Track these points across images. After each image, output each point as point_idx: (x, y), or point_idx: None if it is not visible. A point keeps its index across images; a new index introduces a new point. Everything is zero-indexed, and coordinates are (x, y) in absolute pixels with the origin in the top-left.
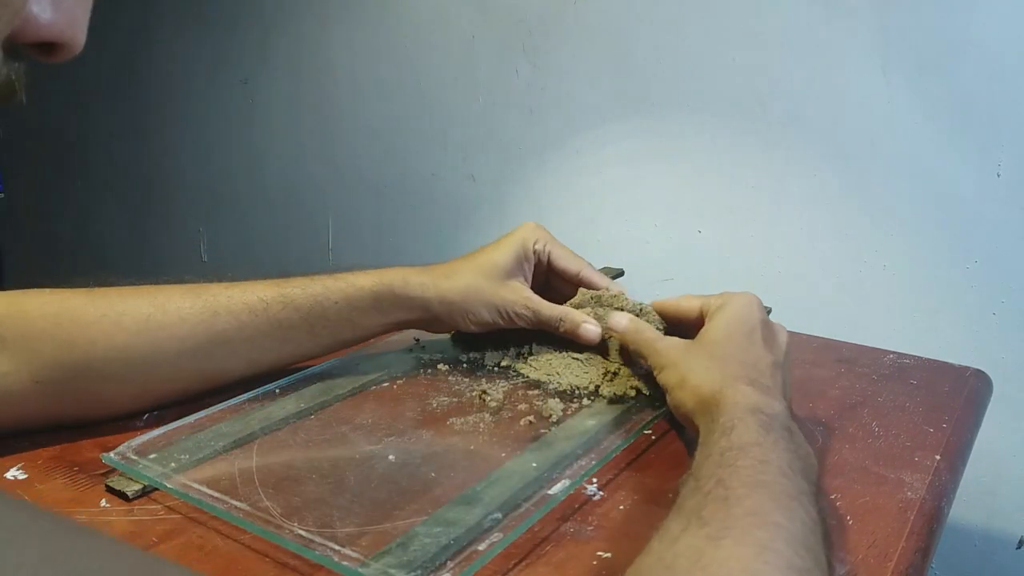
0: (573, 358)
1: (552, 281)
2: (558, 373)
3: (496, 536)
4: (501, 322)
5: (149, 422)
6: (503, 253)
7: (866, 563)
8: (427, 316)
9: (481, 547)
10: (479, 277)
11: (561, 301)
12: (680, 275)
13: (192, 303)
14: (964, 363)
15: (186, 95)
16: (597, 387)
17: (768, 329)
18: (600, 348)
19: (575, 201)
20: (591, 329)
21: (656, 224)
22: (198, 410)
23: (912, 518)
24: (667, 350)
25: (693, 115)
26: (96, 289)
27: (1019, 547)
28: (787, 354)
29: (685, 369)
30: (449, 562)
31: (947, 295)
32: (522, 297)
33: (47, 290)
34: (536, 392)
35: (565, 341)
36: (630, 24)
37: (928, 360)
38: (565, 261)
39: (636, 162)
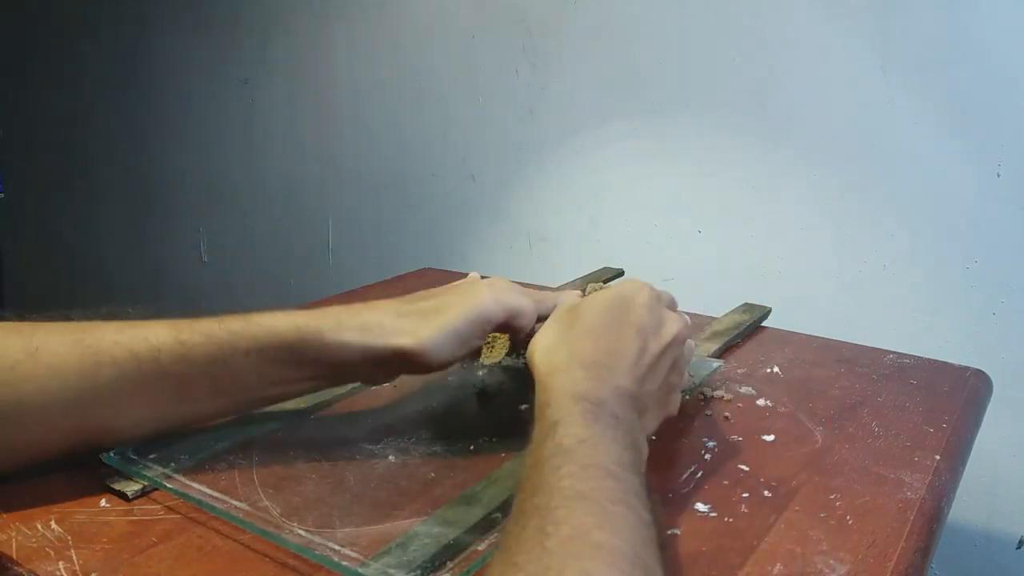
0: None
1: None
2: None
3: (496, 536)
4: (468, 346)
5: None
6: (455, 316)
7: (866, 563)
8: (367, 365)
9: (481, 547)
10: (441, 314)
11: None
12: (680, 275)
13: (71, 350)
14: (964, 363)
15: (186, 95)
16: None
17: (653, 316)
18: None
19: (575, 201)
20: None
21: (656, 224)
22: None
23: (912, 518)
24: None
25: (693, 115)
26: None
27: (1019, 547)
28: (671, 346)
29: (539, 337)
30: (449, 562)
31: (947, 295)
32: (486, 297)
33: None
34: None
35: None
36: (630, 24)
37: (928, 360)
38: (524, 319)
39: (636, 162)
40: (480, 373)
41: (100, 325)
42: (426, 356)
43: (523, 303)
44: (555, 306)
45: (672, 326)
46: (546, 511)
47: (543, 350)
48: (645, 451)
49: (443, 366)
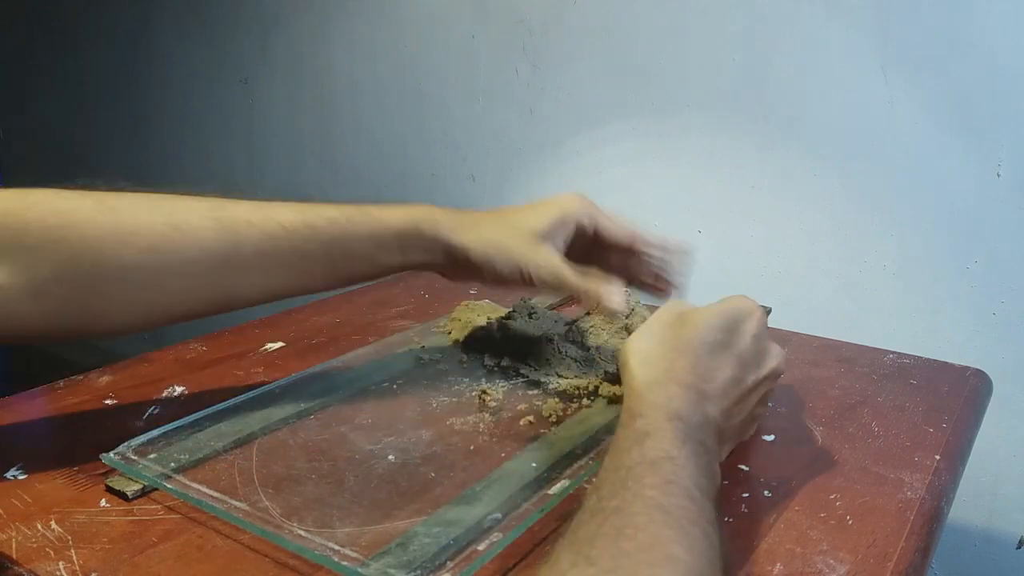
0: (573, 358)
1: (601, 254)
2: (558, 373)
3: (496, 536)
4: (521, 282)
5: (149, 422)
6: (539, 218)
7: (866, 563)
8: (447, 261)
9: (481, 547)
10: (507, 234)
11: (614, 272)
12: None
13: (211, 225)
14: (964, 363)
15: (186, 95)
16: (597, 387)
17: (757, 346)
18: (600, 350)
19: None
20: (614, 292)
21: (656, 224)
22: (198, 410)
23: (912, 518)
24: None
25: (693, 115)
26: (107, 196)
27: (1019, 547)
28: (766, 379)
29: (637, 339)
30: (449, 562)
31: (947, 295)
32: (549, 263)
33: (52, 192)
34: (536, 392)
35: (566, 341)
36: (630, 24)
37: (928, 360)
38: (614, 233)
39: (636, 162)
40: (481, 375)
41: (230, 204)
42: (490, 256)
43: (616, 225)
44: (582, 288)
45: (772, 361)
46: (627, 515)
47: (641, 356)
48: (718, 480)
49: (515, 266)
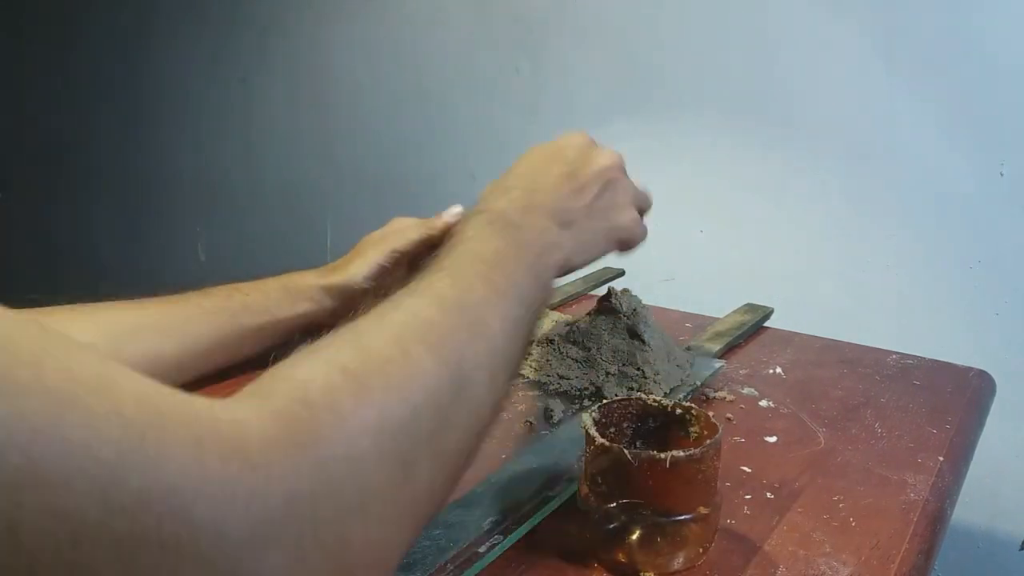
0: (573, 359)
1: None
2: (558, 374)
3: (496, 538)
4: (391, 274)
5: None
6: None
7: (869, 564)
8: (330, 303)
9: (481, 549)
10: (356, 254)
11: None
12: (681, 275)
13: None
14: (967, 364)
15: (184, 94)
16: (598, 388)
17: (581, 152)
18: (602, 350)
19: None
20: (454, 210)
21: (657, 224)
22: None
23: (915, 519)
24: None
25: (693, 115)
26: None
27: (1022, 548)
28: (601, 171)
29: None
30: (449, 565)
31: (950, 295)
32: (392, 238)
33: None
34: (536, 392)
35: (566, 342)
36: (630, 24)
37: (931, 361)
38: (411, 243)
39: (636, 162)
40: None
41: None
42: (354, 287)
43: (419, 235)
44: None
45: (602, 158)
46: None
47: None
48: (557, 255)
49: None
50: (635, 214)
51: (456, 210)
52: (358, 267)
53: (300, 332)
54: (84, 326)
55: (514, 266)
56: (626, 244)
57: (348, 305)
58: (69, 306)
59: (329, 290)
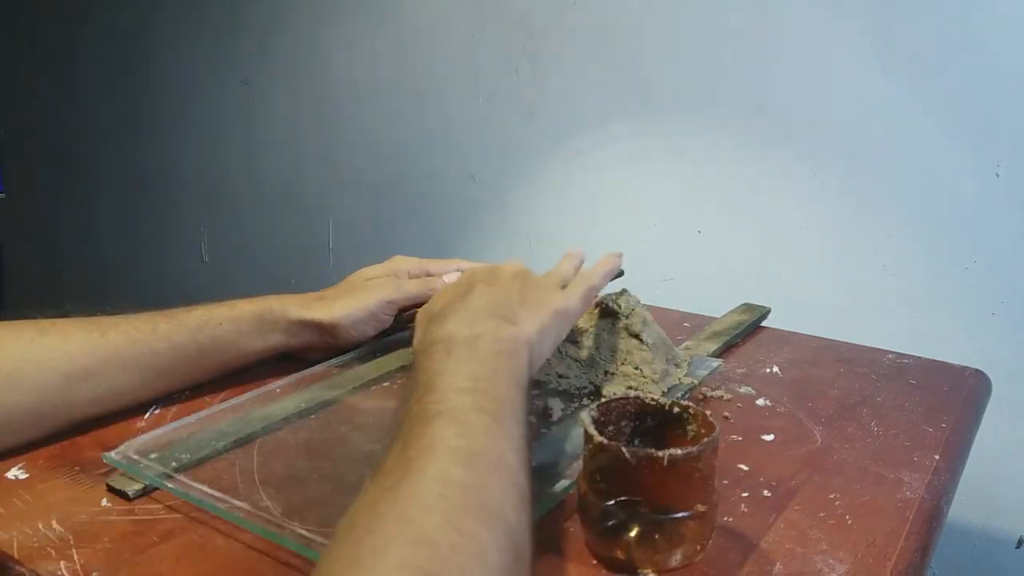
0: (573, 358)
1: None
2: (557, 373)
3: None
4: (378, 322)
5: (150, 422)
6: (364, 285)
7: (865, 562)
8: (305, 336)
9: None
10: (344, 289)
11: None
12: (680, 275)
13: (78, 326)
14: (963, 363)
15: (186, 96)
16: (597, 387)
17: (490, 271)
18: (600, 350)
19: (575, 201)
20: (454, 274)
21: (656, 224)
22: (199, 409)
23: (911, 517)
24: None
25: (693, 115)
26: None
27: (1018, 547)
28: (510, 275)
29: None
30: None
31: (946, 295)
32: (390, 288)
33: None
34: (536, 392)
35: (566, 342)
36: (630, 24)
37: (927, 360)
38: (408, 299)
39: (636, 162)
40: None
41: (94, 317)
42: (338, 328)
43: (419, 292)
44: (426, 287)
45: (507, 267)
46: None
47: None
48: (522, 348)
49: (354, 339)
50: (559, 290)
51: (455, 274)
52: (345, 307)
53: (266, 358)
54: (44, 356)
55: (498, 383)
56: (564, 312)
57: (324, 340)
58: (35, 323)
59: (307, 325)
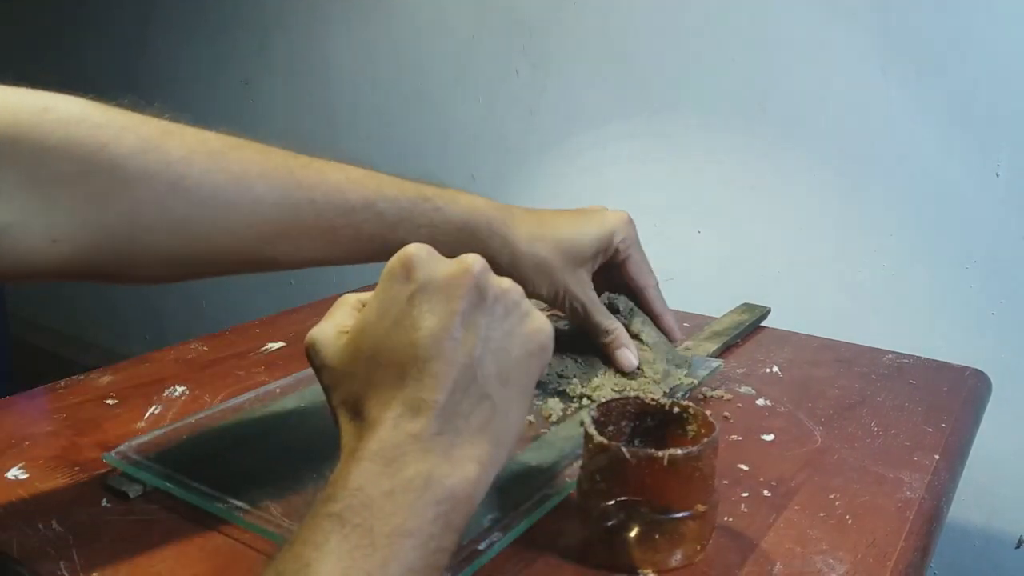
0: (573, 358)
1: (614, 276)
2: (557, 373)
3: (496, 536)
4: (552, 303)
5: (150, 422)
6: (589, 240)
7: (865, 562)
8: (493, 265)
9: (481, 546)
10: (556, 255)
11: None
12: (680, 275)
13: (273, 187)
14: (963, 363)
15: (186, 96)
16: (597, 387)
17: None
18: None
19: (575, 201)
20: (629, 357)
21: (656, 224)
22: (199, 410)
23: (911, 518)
24: None
25: (693, 115)
26: (149, 123)
27: (1018, 547)
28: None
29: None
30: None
31: (946, 295)
32: (584, 293)
33: (79, 103)
34: (536, 392)
35: (565, 342)
36: (630, 24)
37: (927, 360)
38: (637, 273)
39: (636, 162)
40: None
41: (296, 164)
42: (536, 275)
43: (643, 265)
44: (604, 328)
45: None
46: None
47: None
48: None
49: (553, 289)
50: (549, 327)
51: (630, 363)
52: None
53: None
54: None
55: (409, 512)
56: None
57: (520, 279)
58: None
59: (511, 264)
